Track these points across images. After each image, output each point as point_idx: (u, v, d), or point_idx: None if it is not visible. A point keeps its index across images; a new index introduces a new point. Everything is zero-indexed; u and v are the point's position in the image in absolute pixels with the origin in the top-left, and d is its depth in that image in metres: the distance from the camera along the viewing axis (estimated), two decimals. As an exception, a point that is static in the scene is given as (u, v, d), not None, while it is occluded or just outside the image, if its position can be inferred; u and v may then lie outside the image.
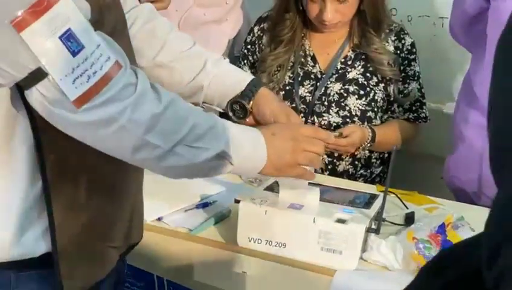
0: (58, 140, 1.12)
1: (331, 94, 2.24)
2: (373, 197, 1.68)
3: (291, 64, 2.30)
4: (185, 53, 1.48)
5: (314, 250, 1.52)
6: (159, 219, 1.71)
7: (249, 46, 2.39)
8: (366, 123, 2.23)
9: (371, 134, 2.18)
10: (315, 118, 2.24)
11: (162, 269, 1.74)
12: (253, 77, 1.54)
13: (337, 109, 2.23)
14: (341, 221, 1.52)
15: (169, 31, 1.49)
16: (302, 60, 2.30)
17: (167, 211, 1.74)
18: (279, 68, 2.30)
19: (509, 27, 0.59)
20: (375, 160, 2.32)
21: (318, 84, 2.26)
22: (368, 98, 2.24)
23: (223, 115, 1.45)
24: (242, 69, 2.35)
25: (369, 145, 2.20)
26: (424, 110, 2.34)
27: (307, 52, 2.31)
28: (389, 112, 2.32)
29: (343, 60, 2.28)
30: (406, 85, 2.29)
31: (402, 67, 2.28)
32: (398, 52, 2.27)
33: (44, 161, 1.13)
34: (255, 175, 1.81)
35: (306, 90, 2.27)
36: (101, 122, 1.08)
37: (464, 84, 2.22)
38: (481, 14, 2.06)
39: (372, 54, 2.24)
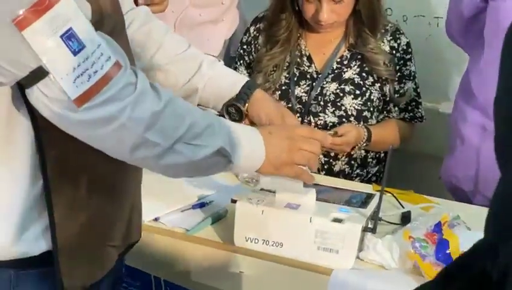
0: (58, 139, 1.13)
1: (327, 94, 2.25)
2: (369, 196, 1.68)
3: (287, 64, 2.31)
4: (180, 55, 1.49)
5: (310, 249, 1.53)
6: (156, 219, 1.71)
7: (245, 47, 2.40)
8: (362, 123, 2.24)
9: (366, 133, 2.19)
10: (311, 118, 2.24)
11: (159, 269, 1.74)
12: (247, 79, 1.55)
13: (333, 108, 2.24)
14: (337, 220, 1.52)
15: (165, 33, 1.50)
16: (298, 60, 2.31)
17: (164, 211, 1.74)
18: (275, 68, 2.31)
19: None
20: (371, 160, 2.32)
21: (314, 84, 2.27)
22: (364, 98, 2.25)
23: (219, 116, 1.46)
24: (238, 69, 2.36)
25: (364, 144, 2.20)
26: (419, 110, 2.35)
27: (303, 52, 2.31)
28: (385, 112, 2.32)
29: (339, 60, 2.28)
30: (402, 85, 2.29)
31: (398, 67, 2.28)
32: (394, 52, 2.28)
33: (45, 160, 1.14)
34: (252, 173, 1.81)
35: (302, 90, 2.27)
36: (101, 121, 1.08)
37: (461, 83, 2.23)
38: (478, 14, 2.07)
39: (368, 54, 2.25)
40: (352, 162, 2.29)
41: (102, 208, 1.24)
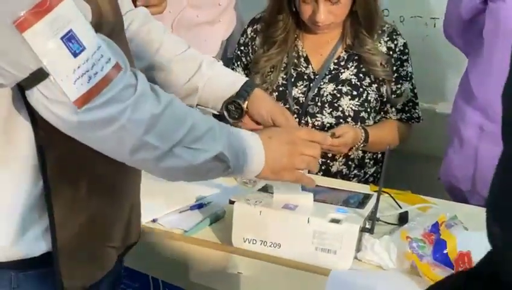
0: (58, 140, 1.13)
1: (324, 95, 2.25)
2: (367, 197, 1.69)
3: (285, 65, 2.31)
4: (179, 56, 1.49)
5: (308, 250, 1.53)
6: (154, 221, 1.71)
7: (242, 48, 2.40)
8: (359, 124, 2.24)
9: (363, 134, 2.20)
10: (308, 118, 2.25)
11: (157, 270, 1.74)
12: (247, 78, 1.55)
13: (331, 109, 2.24)
14: (335, 221, 1.53)
15: (164, 34, 1.50)
16: (295, 61, 2.31)
17: (162, 213, 1.74)
18: (272, 69, 2.31)
19: None
20: (368, 160, 2.33)
21: (311, 85, 2.27)
22: (361, 99, 2.25)
23: (217, 117, 1.46)
24: (235, 70, 2.37)
25: (362, 145, 2.21)
26: (416, 110, 2.35)
27: (300, 53, 2.31)
28: (382, 113, 2.33)
29: (336, 60, 2.29)
30: (399, 85, 2.30)
31: (395, 68, 2.29)
32: (391, 52, 2.28)
33: (45, 161, 1.14)
34: (251, 178, 1.82)
35: (299, 91, 2.28)
36: (101, 123, 1.09)
37: (461, 84, 2.23)
38: (477, 15, 2.07)
39: (365, 55, 2.25)
40: (350, 162, 2.29)
41: (102, 209, 1.24)
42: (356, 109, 2.24)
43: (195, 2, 2.55)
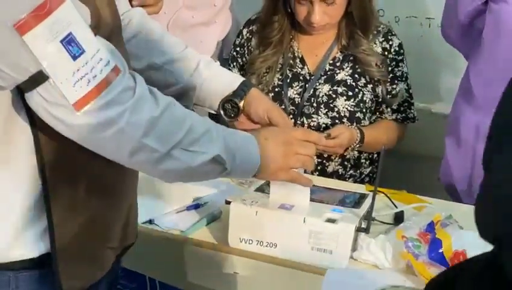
0: (57, 142, 1.13)
1: (320, 95, 2.26)
2: (362, 196, 1.69)
3: (280, 66, 2.32)
4: (177, 55, 1.50)
5: (304, 250, 1.54)
6: (151, 221, 1.71)
7: (238, 49, 2.41)
8: (354, 124, 2.25)
9: (359, 135, 2.20)
10: (304, 119, 2.25)
11: (154, 271, 1.75)
12: (243, 78, 1.56)
13: (326, 110, 2.25)
14: (331, 221, 1.53)
15: (162, 34, 1.51)
16: (291, 61, 2.32)
17: (159, 213, 1.75)
18: (268, 70, 2.31)
19: None
20: (364, 160, 2.34)
21: (307, 85, 2.28)
22: (357, 99, 2.26)
23: (213, 117, 1.46)
24: (231, 71, 2.37)
25: (358, 146, 2.21)
26: (412, 111, 2.36)
27: (296, 54, 2.32)
28: (378, 113, 2.34)
29: (331, 61, 2.29)
30: (394, 86, 2.30)
31: (390, 68, 2.30)
32: (386, 53, 2.29)
33: (44, 163, 1.14)
34: (248, 178, 1.83)
35: (295, 92, 2.28)
36: (100, 125, 1.09)
37: (461, 83, 2.22)
38: (476, 17, 2.07)
39: (360, 56, 2.26)
40: (346, 163, 2.30)
41: (100, 209, 1.25)
42: (352, 109, 2.25)
43: (190, 2, 2.55)
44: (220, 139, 1.24)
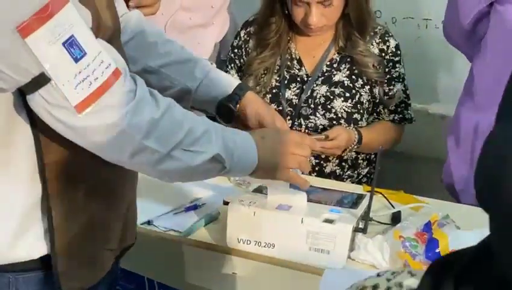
0: (58, 144, 1.14)
1: (318, 97, 2.27)
2: (360, 197, 1.70)
3: (278, 67, 2.32)
4: (173, 59, 1.50)
5: (302, 250, 1.54)
6: (149, 222, 1.72)
7: (235, 50, 2.41)
8: (352, 125, 2.25)
9: (357, 136, 2.21)
10: (302, 120, 2.26)
11: (152, 271, 1.75)
12: (239, 81, 1.56)
13: (324, 111, 2.26)
14: (329, 221, 1.54)
15: (158, 37, 1.52)
16: (288, 63, 2.32)
17: (157, 214, 1.75)
18: (265, 72, 2.32)
19: None
20: (361, 161, 2.34)
21: (304, 87, 2.29)
22: (354, 100, 2.27)
23: (211, 118, 1.47)
24: (229, 73, 2.38)
25: (355, 147, 2.22)
26: (409, 111, 2.37)
27: (293, 56, 2.33)
28: (375, 114, 2.34)
29: (328, 62, 2.30)
30: (391, 87, 2.31)
31: (387, 70, 2.30)
32: (383, 54, 2.30)
33: (44, 165, 1.15)
34: (245, 177, 1.83)
35: (292, 93, 2.29)
36: (101, 127, 1.10)
37: (465, 83, 2.21)
38: (480, 20, 2.07)
39: (357, 57, 2.26)
40: (343, 163, 2.30)
41: (100, 211, 1.25)
42: (349, 110, 2.26)
43: (188, 4, 2.55)
44: (219, 138, 1.25)
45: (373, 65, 2.27)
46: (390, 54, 2.30)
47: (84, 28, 1.07)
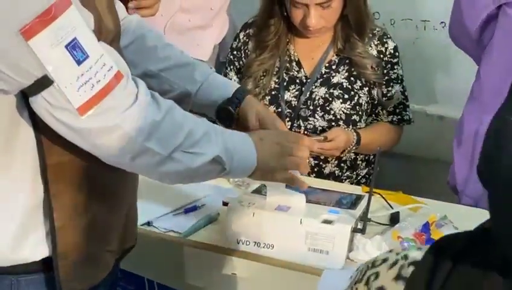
0: (60, 146, 1.15)
1: (316, 98, 2.27)
2: (359, 198, 1.71)
3: (277, 69, 2.33)
4: (173, 62, 1.51)
5: (301, 250, 1.55)
6: (149, 223, 1.72)
7: (234, 52, 2.42)
8: (351, 126, 2.26)
9: (355, 137, 2.22)
10: (301, 122, 2.27)
11: (152, 272, 1.76)
12: (239, 85, 1.57)
13: (323, 113, 2.26)
14: (327, 222, 1.55)
15: (158, 41, 1.52)
16: (287, 65, 2.33)
17: (156, 215, 1.76)
18: (264, 73, 2.33)
19: None
20: (360, 162, 2.35)
21: (303, 88, 2.29)
22: (353, 102, 2.27)
23: (210, 121, 1.48)
24: (228, 74, 2.38)
25: (354, 148, 2.23)
26: (407, 113, 2.37)
27: (292, 57, 2.34)
28: (374, 115, 2.35)
29: (327, 64, 2.31)
30: (390, 88, 2.32)
31: (385, 71, 2.31)
32: (381, 56, 2.31)
33: (46, 167, 1.16)
34: (244, 179, 1.84)
35: (291, 95, 2.30)
36: (103, 129, 1.11)
37: (472, 87, 2.21)
38: (488, 22, 2.06)
39: (356, 58, 2.27)
40: (342, 164, 2.31)
41: (101, 213, 1.26)
42: (348, 112, 2.26)
43: (187, 6, 2.56)
44: (219, 140, 1.26)
45: (371, 67, 2.28)
46: (388, 56, 2.31)
47: (87, 31, 1.08)
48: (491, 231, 0.67)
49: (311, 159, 2.25)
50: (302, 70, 2.32)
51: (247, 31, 2.40)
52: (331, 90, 2.27)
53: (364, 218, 1.60)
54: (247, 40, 2.39)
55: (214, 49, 2.69)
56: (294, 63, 2.33)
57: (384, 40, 2.32)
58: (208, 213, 1.78)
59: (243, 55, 2.39)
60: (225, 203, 1.64)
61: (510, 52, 2.01)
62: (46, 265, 1.21)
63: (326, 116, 2.26)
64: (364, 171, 2.37)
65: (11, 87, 1.07)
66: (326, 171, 2.30)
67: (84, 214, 1.23)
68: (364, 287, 0.81)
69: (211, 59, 2.68)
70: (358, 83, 2.29)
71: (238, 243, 1.60)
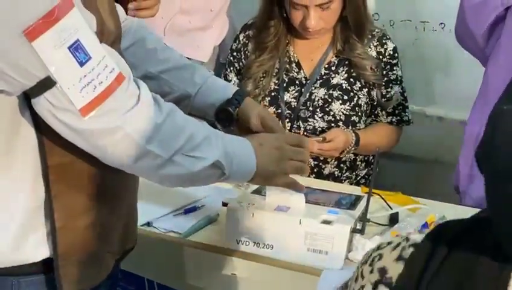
0: (61, 147, 1.15)
1: (316, 99, 2.28)
2: (358, 198, 1.71)
3: (277, 70, 2.34)
4: (172, 65, 1.51)
5: (301, 251, 1.55)
6: (149, 224, 1.73)
7: (234, 53, 2.42)
8: (350, 127, 2.27)
9: (354, 138, 2.22)
10: (300, 123, 2.27)
11: (152, 273, 1.76)
12: (237, 88, 1.58)
13: (322, 114, 2.27)
14: (327, 222, 1.55)
15: (158, 43, 1.53)
16: (287, 66, 2.33)
17: (156, 216, 1.76)
18: (264, 75, 2.33)
19: None
20: (360, 162, 2.36)
21: (303, 89, 2.30)
22: (352, 103, 2.28)
23: (210, 124, 1.48)
24: (228, 76, 2.39)
25: (353, 148, 2.23)
26: (406, 114, 2.38)
27: (292, 59, 2.34)
28: (373, 116, 2.36)
29: (327, 65, 2.32)
30: (389, 89, 2.32)
31: (384, 72, 2.31)
32: (381, 57, 2.31)
33: (47, 168, 1.16)
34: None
35: (291, 96, 2.30)
36: (105, 131, 1.11)
37: (479, 89, 2.21)
38: (496, 23, 2.06)
39: (355, 60, 2.28)
40: (342, 165, 2.32)
41: (102, 214, 1.26)
42: (347, 113, 2.27)
43: (187, 7, 2.56)
44: (218, 144, 1.26)
45: (371, 68, 2.28)
46: (387, 57, 2.32)
47: (89, 33, 1.08)
48: (489, 216, 0.71)
49: (311, 160, 2.26)
50: (301, 71, 2.32)
51: (247, 33, 2.40)
52: (331, 92, 2.28)
53: (363, 218, 1.61)
54: (246, 41, 2.39)
55: (213, 50, 2.70)
56: (293, 64, 2.33)
57: (384, 41, 2.32)
58: (208, 214, 1.78)
59: (243, 56, 2.39)
60: (225, 204, 1.64)
61: None
62: (46, 266, 1.21)
63: (325, 117, 2.27)
64: (364, 171, 2.38)
65: (14, 88, 1.08)
66: (326, 171, 2.30)
67: (84, 215, 1.23)
68: (368, 268, 0.86)
69: (211, 60, 2.69)
70: (358, 84, 2.29)
71: (238, 244, 1.61)
